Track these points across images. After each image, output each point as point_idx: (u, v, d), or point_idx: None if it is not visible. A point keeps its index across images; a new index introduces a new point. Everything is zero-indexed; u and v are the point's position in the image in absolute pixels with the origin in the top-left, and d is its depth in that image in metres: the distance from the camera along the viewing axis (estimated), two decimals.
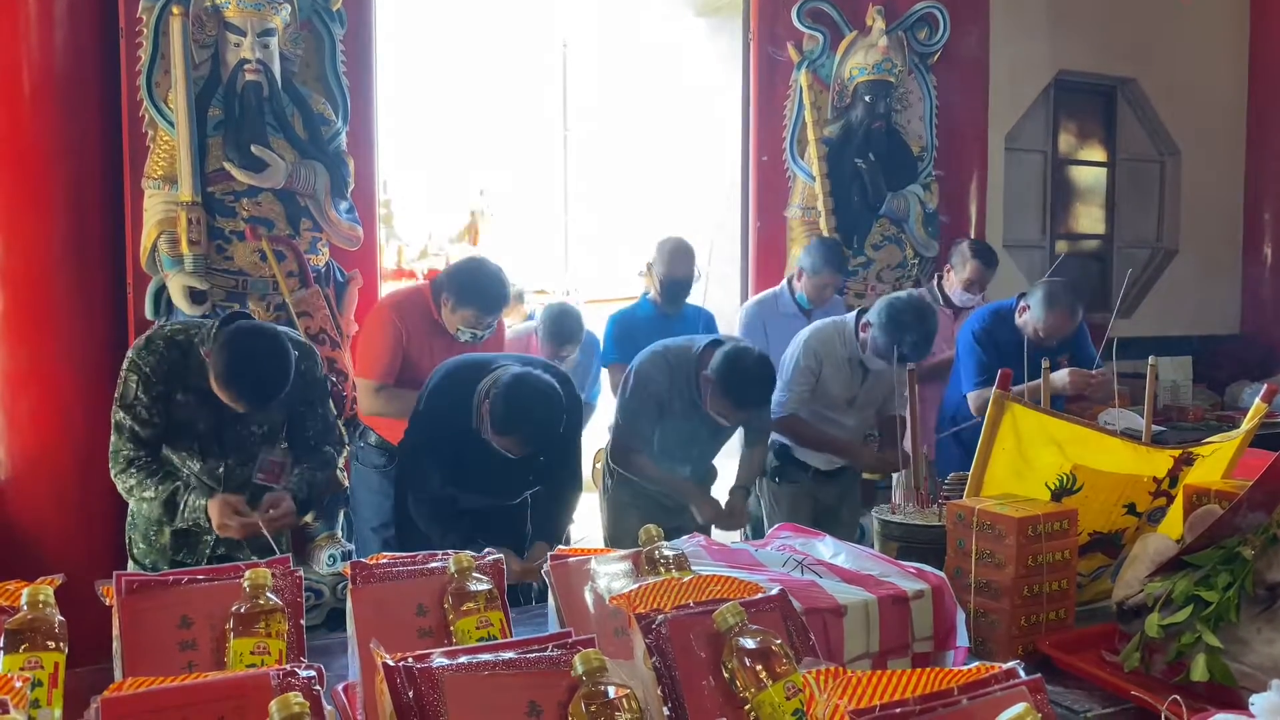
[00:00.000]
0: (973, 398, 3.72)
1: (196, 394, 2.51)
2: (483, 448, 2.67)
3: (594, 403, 4.09)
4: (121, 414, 2.52)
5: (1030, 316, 3.71)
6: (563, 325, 4.15)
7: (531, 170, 8.13)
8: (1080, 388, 3.57)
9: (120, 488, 2.58)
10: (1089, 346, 3.84)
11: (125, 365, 2.53)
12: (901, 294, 3.53)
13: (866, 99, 4.59)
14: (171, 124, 3.41)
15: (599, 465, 3.57)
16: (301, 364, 2.58)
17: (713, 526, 3.22)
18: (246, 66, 3.47)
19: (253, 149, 3.49)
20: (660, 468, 3.23)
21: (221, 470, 2.58)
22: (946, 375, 4.05)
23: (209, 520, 2.46)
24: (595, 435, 3.77)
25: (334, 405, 3.62)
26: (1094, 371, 3.57)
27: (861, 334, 3.47)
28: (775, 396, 3.48)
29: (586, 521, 3.99)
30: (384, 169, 4.19)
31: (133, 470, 2.52)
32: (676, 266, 4.07)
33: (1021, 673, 1.02)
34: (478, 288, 3.34)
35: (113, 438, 2.55)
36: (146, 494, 2.52)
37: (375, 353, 3.37)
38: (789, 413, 3.52)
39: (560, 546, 1.73)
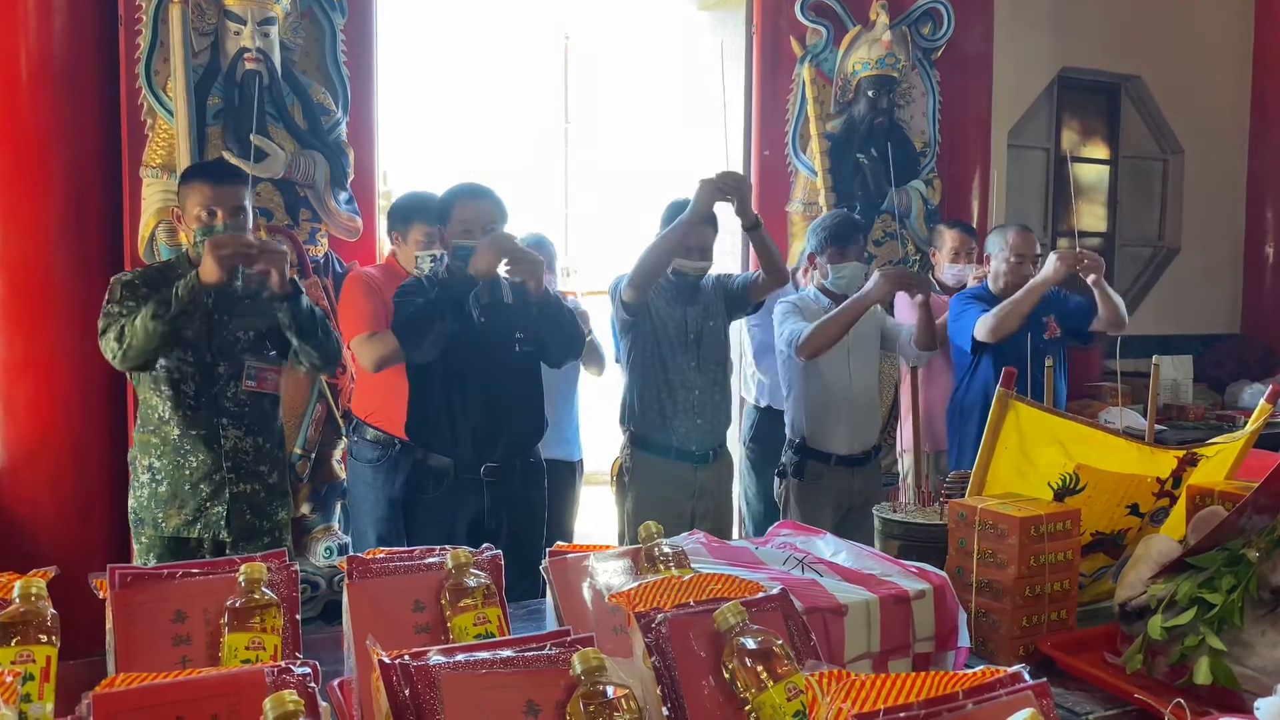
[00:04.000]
0: (979, 327, 3.67)
1: None
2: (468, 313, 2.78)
3: (600, 351, 4.04)
4: (107, 306, 2.62)
5: (994, 253, 3.83)
6: (537, 252, 4.11)
7: (532, 162, 8.11)
8: (1071, 265, 3.49)
9: (113, 347, 2.57)
10: (1075, 299, 3.84)
11: (108, 288, 2.67)
12: None
13: (869, 94, 4.58)
14: (170, 112, 3.40)
15: (614, 477, 3.54)
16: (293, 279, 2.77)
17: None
18: (246, 55, 3.46)
19: (252, 138, 3.48)
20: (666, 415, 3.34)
21: (213, 373, 2.65)
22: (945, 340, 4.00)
23: (203, 286, 2.49)
24: (611, 438, 3.70)
25: (331, 396, 3.63)
26: (1081, 251, 3.55)
27: (814, 269, 3.62)
28: (784, 338, 3.52)
29: (599, 520, 3.96)
30: (384, 160, 4.17)
31: (119, 324, 2.56)
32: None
33: (1027, 676, 1.01)
34: (416, 201, 3.37)
35: (100, 325, 2.62)
36: (141, 315, 2.52)
37: (356, 307, 3.31)
38: (803, 330, 3.44)
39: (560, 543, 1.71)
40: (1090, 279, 3.61)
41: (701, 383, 3.38)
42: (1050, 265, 3.49)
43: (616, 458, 3.50)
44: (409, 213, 3.39)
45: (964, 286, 4.26)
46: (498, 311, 2.79)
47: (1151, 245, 6.54)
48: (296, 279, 2.65)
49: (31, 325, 3.39)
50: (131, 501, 2.75)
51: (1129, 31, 5.96)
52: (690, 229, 3.24)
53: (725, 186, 3.17)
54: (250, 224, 2.71)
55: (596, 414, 4.37)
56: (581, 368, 3.88)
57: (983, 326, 3.67)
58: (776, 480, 3.68)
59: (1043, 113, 6.01)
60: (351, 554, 1.55)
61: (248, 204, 2.69)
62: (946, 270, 4.34)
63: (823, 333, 3.35)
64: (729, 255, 4.79)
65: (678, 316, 3.38)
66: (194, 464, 2.66)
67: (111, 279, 2.69)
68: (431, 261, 3.34)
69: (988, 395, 2.52)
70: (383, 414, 3.27)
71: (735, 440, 4.26)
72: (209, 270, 2.46)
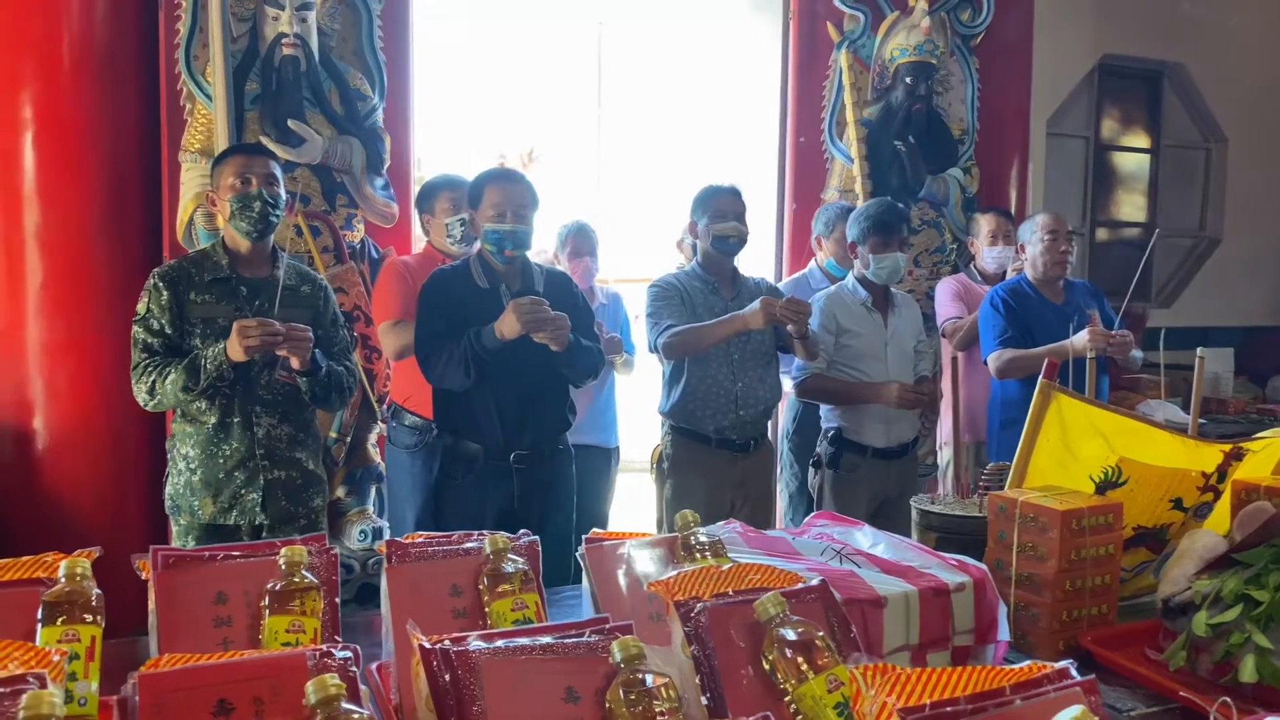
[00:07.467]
0: (991, 359, 3.69)
1: (213, 291, 2.66)
2: (491, 308, 2.81)
3: (631, 355, 4.07)
4: (135, 328, 2.66)
5: (1028, 240, 3.80)
6: (580, 238, 4.13)
7: (565, 150, 8.10)
8: (1099, 346, 3.41)
9: (144, 399, 2.65)
10: (1109, 311, 3.79)
11: (142, 290, 2.69)
12: None
13: (907, 80, 4.52)
14: (209, 97, 3.41)
15: (654, 464, 3.54)
16: (325, 284, 2.88)
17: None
18: (284, 40, 3.47)
19: (289, 124, 3.49)
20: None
21: (249, 361, 2.62)
22: None
23: (229, 364, 2.52)
24: (649, 426, 3.68)
25: (368, 382, 3.65)
26: (1114, 331, 3.51)
27: (854, 257, 3.58)
28: (796, 362, 3.49)
29: (636, 508, 3.96)
30: (419, 146, 4.18)
31: (149, 369, 2.62)
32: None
33: (1075, 673, 0.99)
34: (438, 179, 3.53)
35: (131, 354, 2.67)
36: (168, 376, 2.58)
37: (388, 295, 3.38)
38: (811, 372, 3.49)
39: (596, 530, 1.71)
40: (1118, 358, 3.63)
41: (745, 376, 3.35)
42: (1081, 339, 3.40)
43: (657, 445, 3.49)
44: (432, 188, 3.53)
45: (1004, 272, 4.21)
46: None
47: (1193, 236, 6.44)
48: (318, 356, 2.66)
49: (73, 308, 3.43)
50: (168, 488, 2.77)
51: (1171, 17, 5.85)
52: (736, 334, 3.24)
53: (787, 314, 3.14)
54: (283, 198, 2.73)
55: (635, 400, 4.36)
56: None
57: (994, 362, 3.68)
58: (811, 470, 3.66)
59: (1083, 100, 5.92)
60: (390, 538, 1.56)
61: (279, 175, 2.72)
62: (986, 255, 4.29)
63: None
64: (764, 244, 4.76)
65: (719, 311, 3.32)
66: (228, 452, 2.68)
67: (146, 283, 2.67)
68: (461, 226, 3.42)
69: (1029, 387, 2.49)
70: (420, 400, 3.28)
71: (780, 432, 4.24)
72: (235, 351, 2.51)
